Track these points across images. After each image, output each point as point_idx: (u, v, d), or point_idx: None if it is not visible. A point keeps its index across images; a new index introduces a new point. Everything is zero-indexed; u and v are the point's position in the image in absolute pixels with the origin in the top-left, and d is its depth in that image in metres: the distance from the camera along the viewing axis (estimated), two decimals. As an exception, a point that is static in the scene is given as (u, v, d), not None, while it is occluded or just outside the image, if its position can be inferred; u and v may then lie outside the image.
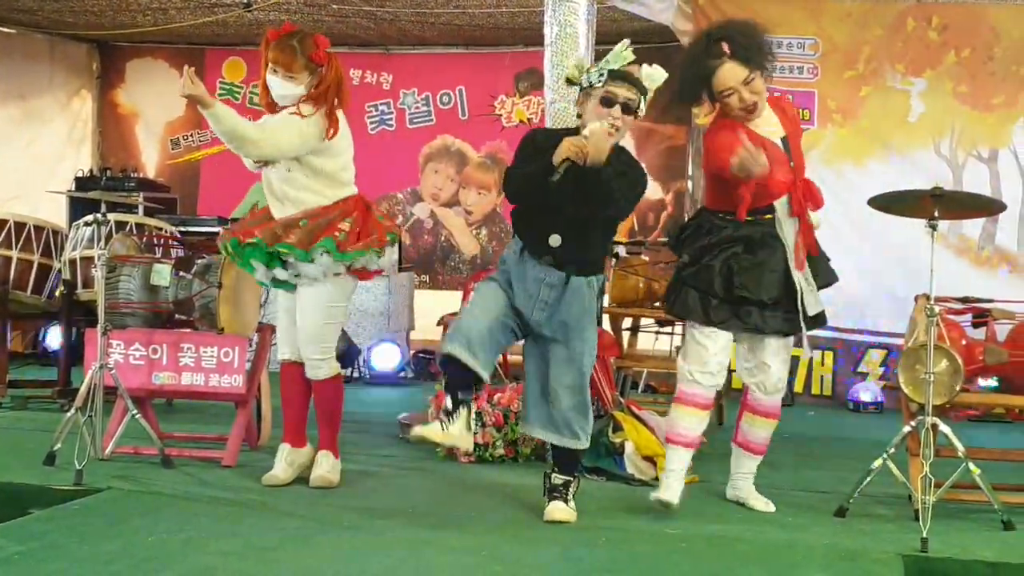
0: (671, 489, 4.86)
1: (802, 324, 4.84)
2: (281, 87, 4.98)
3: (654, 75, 4.46)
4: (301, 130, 4.93)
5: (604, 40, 7.13)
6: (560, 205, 4.39)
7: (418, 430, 4.47)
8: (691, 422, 4.93)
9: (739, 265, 4.80)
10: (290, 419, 5.30)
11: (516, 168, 4.51)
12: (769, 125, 4.85)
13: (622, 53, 4.48)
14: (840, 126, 8.67)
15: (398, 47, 10.72)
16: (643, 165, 4.68)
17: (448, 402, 4.45)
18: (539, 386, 4.62)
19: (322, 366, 5.13)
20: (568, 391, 4.57)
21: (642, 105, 4.46)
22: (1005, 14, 8.31)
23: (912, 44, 8.49)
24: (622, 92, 4.42)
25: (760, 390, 4.98)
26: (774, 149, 4.75)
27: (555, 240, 4.47)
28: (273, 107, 5.08)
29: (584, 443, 4.64)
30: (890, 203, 4.98)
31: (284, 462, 5.23)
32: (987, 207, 5.89)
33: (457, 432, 4.41)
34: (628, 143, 10.33)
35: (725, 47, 4.71)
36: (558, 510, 4.61)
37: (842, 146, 8.67)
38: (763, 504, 5.01)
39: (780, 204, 4.82)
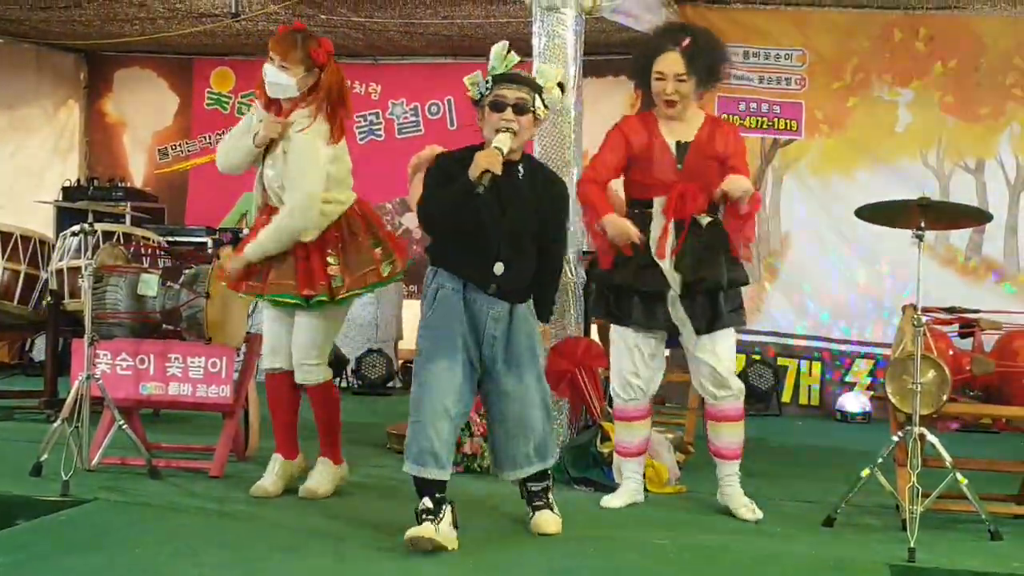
0: (621, 496, 5.21)
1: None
2: (274, 75, 4.95)
3: (545, 70, 4.42)
4: (312, 149, 4.91)
5: (592, 51, 7.16)
6: (498, 228, 4.28)
7: (410, 533, 4.13)
8: (630, 433, 5.22)
9: (623, 258, 5.02)
10: (281, 430, 5.28)
11: (433, 193, 4.33)
12: (681, 130, 5.04)
13: (503, 55, 4.35)
14: (827, 136, 8.70)
15: (386, 57, 10.72)
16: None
17: (427, 502, 4.23)
18: (508, 426, 4.48)
19: (315, 371, 5.11)
20: (542, 413, 4.50)
21: (537, 103, 4.34)
22: (991, 25, 8.35)
23: (899, 55, 8.52)
24: (511, 93, 4.30)
25: (706, 395, 5.06)
26: (661, 149, 5.01)
27: (500, 268, 4.31)
28: (268, 106, 5.06)
29: (545, 462, 4.60)
30: (877, 213, 5.01)
31: (274, 474, 5.21)
32: (974, 217, 5.92)
33: (446, 530, 4.19)
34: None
35: (683, 40, 4.97)
36: (548, 522, 4.56)
37: (829, 156, 8.70)
38: (748, 512, 5.00)
39: (658, 202, 4.98)
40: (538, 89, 4.35)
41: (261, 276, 5.03)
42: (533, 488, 4.64)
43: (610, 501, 5.18)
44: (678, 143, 5.01)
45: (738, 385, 5.06)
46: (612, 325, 5.21)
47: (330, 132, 4.97)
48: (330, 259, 4.98)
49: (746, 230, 5.03)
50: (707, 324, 4.97)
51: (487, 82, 4.32)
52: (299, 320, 5.06)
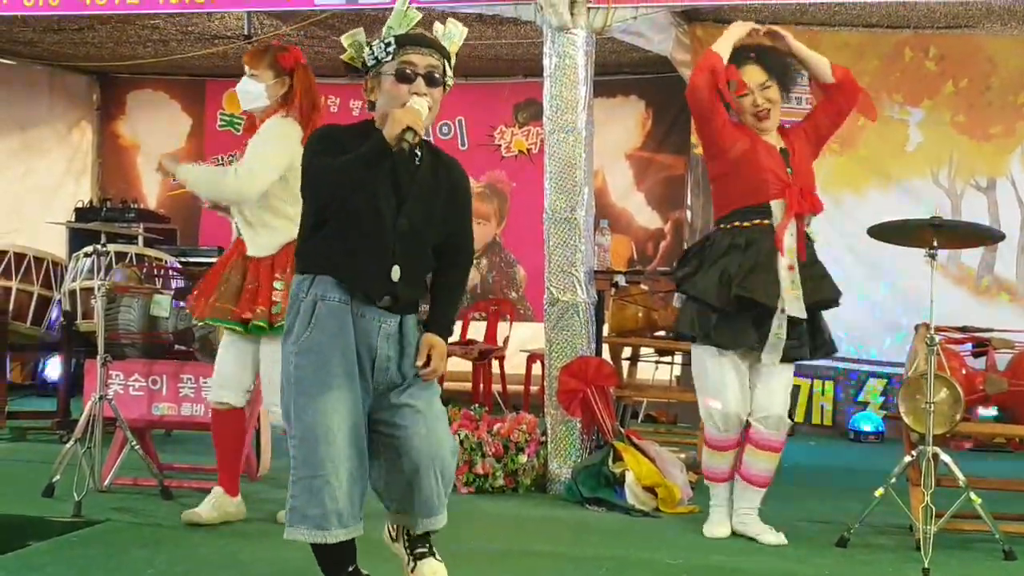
0: (715, 523, 5.08)
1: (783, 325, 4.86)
2: (243, 84, 4.91)
3: (452, 32, 3.55)
4: (281, 133, 4.79)
5: (602, 71, 7.17)
6: (394, 224, 3.44)
7: None
8: (719, 462, 5.05)
9: (735, 269, 4.87)
10: (229, 466, 5.06)
11: (320, 162, 3.41)
12: (771, 140, 4.99)
13: (404, 12, 3.48)
14: (838, 155, 8.68)
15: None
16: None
17: None
18: (418, 462, 3.47)
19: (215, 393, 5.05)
20: (452, 456, 3.58)
21: (448, 72, 3.51)
22: (1002, 44, 8.34)
23: (909, 74, 8.51)
24: (420, 60, 3.43)
25: (761, 423, 4.96)
26: (769, 150, 4.92)
27: (396, 273, 3.45)
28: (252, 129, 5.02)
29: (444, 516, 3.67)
30: (889, 232, 5.00)
31: (210, 504, 4.98)
32: (986, 236, 5.90)
33: None
34: (625, 172, 10.48)
35: (752, 54, 4.95)
36: (434, 571, 3.66)
37: (841, 175, 8.68)
38: (774, 537, 4.94)
39: (776, 205, 4.89)
40: (447, 55, 3.51)
41: (207, 297, 4.92)
42: (416, 532, 3.68)
43: (712, 530, 5.04)
44: (781, 150, 4.96)
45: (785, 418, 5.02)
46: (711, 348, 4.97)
47: (303, 135, 4.84)
48: (276, 284, 4.76)
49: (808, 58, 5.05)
50: (811, 350, 4.96)
51: (386, 44, 3.44)
52: (265, 351, 4.84)
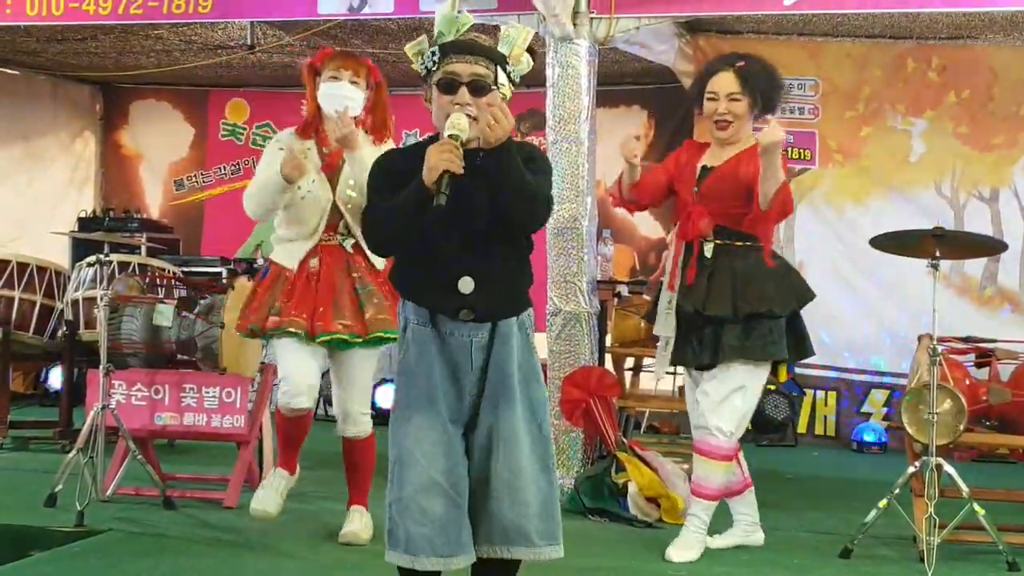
0: (726, 536, 5.11)
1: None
2: (350, 89, 4.74)
3: (511, 34, 3.31)
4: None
5: (605, 81, 7.17)
6: (455, 234, 3.22)
7: None
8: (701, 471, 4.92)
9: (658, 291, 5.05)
10: (290, 452, 4.97)
11: (375, 206, 3.29)
12: (717, 155, 4.93)
13: (451, 17, 3.27)
14: (841, 166, 8.69)
15: (400, 88, 10.73)
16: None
17: None
18: (491, 483, 3.21)
19: (368, 421, 4.91)
20: (529, 484, 3.21)
21: (500, 77, 3.25)
22: (1004, 55, 8.34)
23: (912, 85, 8.52)
24: (464, 68, 3.21)
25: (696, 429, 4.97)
26: (687, 173, 4.94)
27: (466, 284, 3.22)
28: (308, 129, 4.83)
29: (559, 546, 3.30)
30: (892, 243, 5.00)
31: (278, 492, 4.87)
32: (989, 247, 5.91)
33: None
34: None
35: (740, 62, 4.89)
36: None
37: (843, 186, 8.68)
38: (674, 551, 4.82)
39: (677, 228, 4.98)
40: (500, 60, 3.27)
41: (349, 315, 4.68)
42: None
43: (714, 542, 5.02)
44: (703, 167, 4.91)
45: (716, 424, 4.81)
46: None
47: None
48: (380, 300, 4.79)
49: (768, 172, 4.62)
50: (710, 356, 4.82)
51: (432, 52, 3.26)
52: (354, 362, 4.81)
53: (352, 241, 4.78)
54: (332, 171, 4.79)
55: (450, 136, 3.09)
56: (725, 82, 4.85)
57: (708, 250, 4.82)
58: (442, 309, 3.24)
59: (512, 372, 3.24)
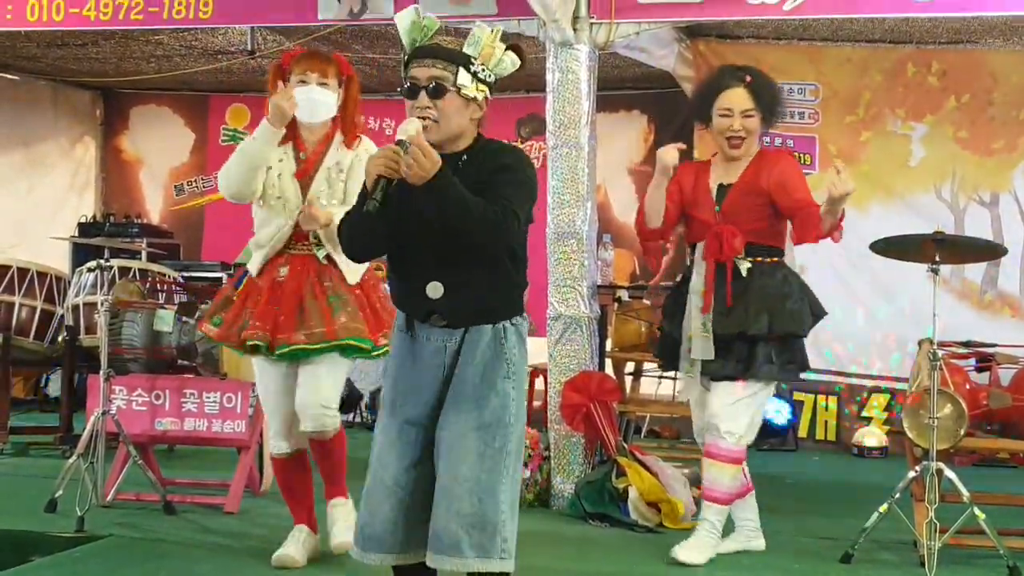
0: (731, 540, 5.11)
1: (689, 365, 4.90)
2: (320, 93, 4.53)
3: (477, 34, 3.27)
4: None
5: (605, 86, 7.18)
6: (425, 240, 3.20)
7: None
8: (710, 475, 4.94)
9: (668, 305, 5.05)
10: (303, 506, 4.79)
11: (347, 213, 3.36)
12: (729, 171, 4.93)
13: (415, 23, 3.29)
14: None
15: (400, 93, 10.79)
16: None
17: None
18: (439, 487, 3.19)
19: (329, 416, 4.60)
20: (467, 493, 3.14)
21: (461, 78, 3.22)
22: (1004, 60, 8.34)
23: (912, 89, 8.52)
24: (423, 73, 3.22)
25: (708, 431, 4.92)
26: (703, 193, 4.92)
27: (435, 290, 3.22)
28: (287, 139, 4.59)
29: (494, 561, 3.17)
30: (892, 247, 5.01)
31: (301, 544, 4.70)
32: (989, 251, 5.91)
33: None
34: (628, 187, 10.47)
35: (748, 78, 4.88)
36: None
37: (843, 191, 8.67)
38: (683, 551, 4.81)
39: (699, 246, 4.92)
40: (463, 61, 3.23)
41: (315, 323, 4.47)
42: None
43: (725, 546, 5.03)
44: (720, 186, 4.90)
45: (726, 427, 4.83)
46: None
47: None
48: (380, 307, 4.64)
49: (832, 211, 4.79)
50: (742, 370, 4.82)
51: (403, 59, 3.33)
52: (320, 366, 4.53)
53: (325, 252, 4.56)
54: (305, 178, 4.57)
55: (397, 142, 3.07)
56: (738, 98, 4.84)
57: (743, 268, 4.81)
58: (415, 314, 3.28)
59: (468, 380, 3.21)
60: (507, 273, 3.27)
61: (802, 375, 5.14)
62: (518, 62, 3.32)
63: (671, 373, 7.49)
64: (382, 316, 4.57)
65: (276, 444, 4.69)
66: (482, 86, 3.26)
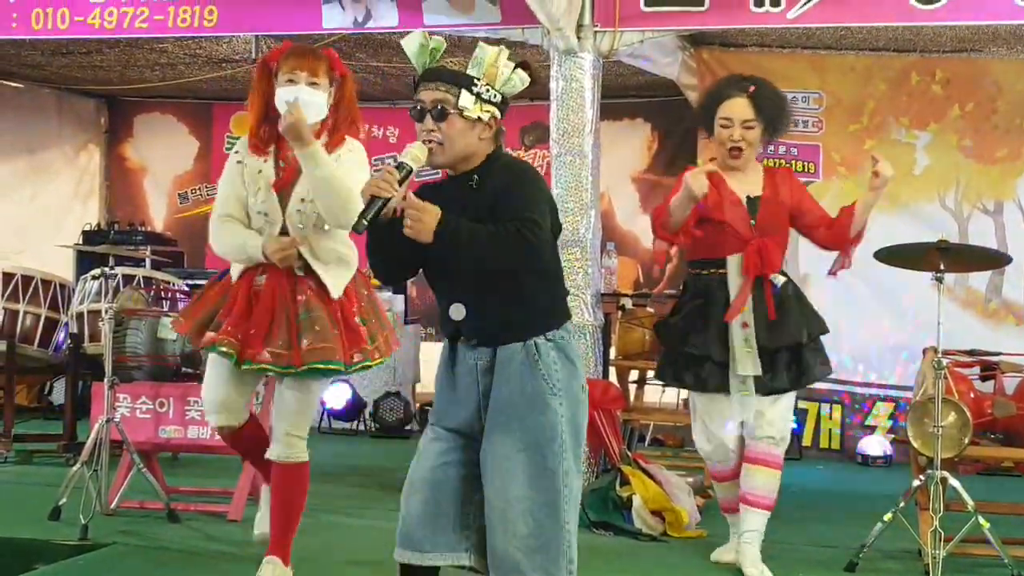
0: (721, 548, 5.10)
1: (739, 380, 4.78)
2: (308, 93, 4.22)
3: (480, 55, 3.25)
4: (363, 161, 4.30)
5: (609, 95, 7.18)
6: (447, 262, 3.19)
7: None
8: (720, 492, 5.06)
9: (690, 323, 4.87)
10: (258, 466, 4.65)
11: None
12: (747, 182, 4.88)
13: (423, 46, 3.29)
14: (845, 179, 8.68)
15: (404, 102, 10.78)
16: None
17: None
18: (489, 510, 3.18)
19: (301, 445, 4.38)
20: (523, 514, 3.12)
21: (464, 99, 3.20)
22: (1008, 68, 8.35)
23: (916, 98, 8.52)
24: (427, 96, 3.22)
25: (749, 435, 4.85)
26: (734, 204, 4.82)
27: (457, 312, 3.24)
28: (259, 147, 4.34)
29: None
30: (896, 256, 5.01)
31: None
32: (993, 260, 5.91)
33: None
34: (631, 195, 10.48)
35: (751, 88, 4.84)
36: None
37: (847, 199, 8.55)
38: (757, 572, 4.77)
39: (733, 260, 4.81)
40: (465, 82, 3.22)
41: (282, 343, 4.24)
42: None
43: (719, 555, 5.04)
44: (748, 197, 4.85)
45: (778, 432, 4.86)
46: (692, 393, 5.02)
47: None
48: (358, 320, 4.37)
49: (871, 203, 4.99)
50: (792, 380, 4.83)
51: (415, 82, 3.32)
52: (286, 389, 4.35)
53: (302, 263, 4.31)
54: (284, 188, 4.31)
55: (398, 165, 3.10)
56: (739, 108, 4.80)
57: (779, 281, 4.80)
58: (446, 333, 3.30)
59: (507, 399, 3.18)
60: (532, 286, 3.23)
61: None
62: (527, 80, 3.30)
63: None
64: (360, 331, 4.34)
65: (211, 418, 4.50)
66: (487, 106, 3.24)
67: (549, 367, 3.20)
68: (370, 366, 4.38)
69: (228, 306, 4.35)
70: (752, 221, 4.80)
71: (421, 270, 3.34)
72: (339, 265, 4.36)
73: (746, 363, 4.75)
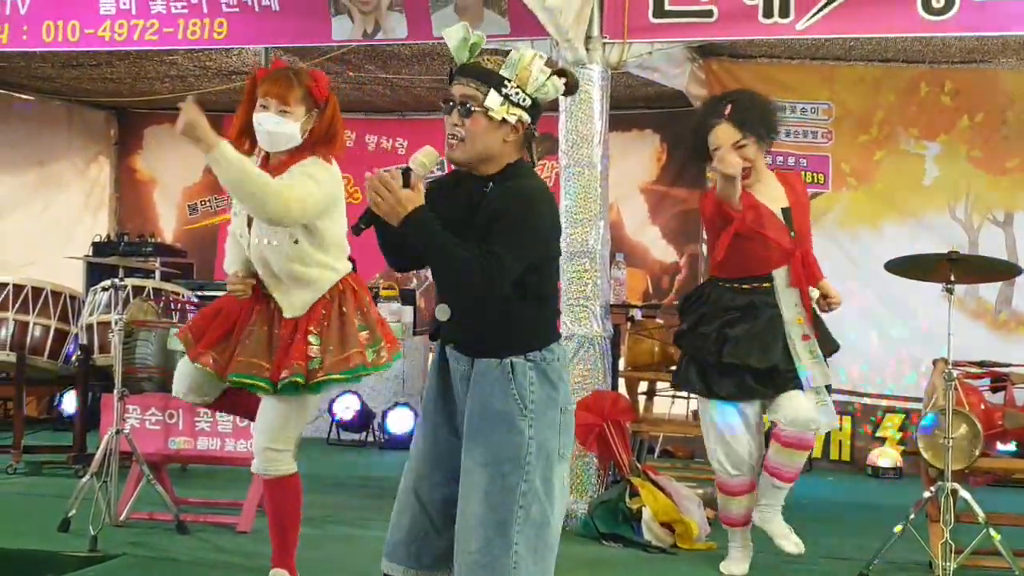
0: (733, 561, 5.06)
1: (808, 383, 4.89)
2: (274, 124, 4.18)
3: (514, 57, 3.18)
4: (319, 183, 4.12)
5: (617, 105, 7.19)
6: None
7: None
8: (734, 506, 5.04)
9: (732, 332, 4.87)
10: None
11: None
12: (771, 194, 4.92)
13: (466, 39, 3.21)
14: (855, 190, 8.68)
15: (413, 113, 10.79)
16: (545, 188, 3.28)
17: None
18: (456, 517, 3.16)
19: (280, 459, 4.31)
20: (471, 531, 3.07)
21: (491, 99, 3.13)
22: (1017, 79, 8.34)
23: (925, 109, 8.52)
24: (458, 91, 3.16)
25: (784, 421, 4.86)
26: (772, 218, 4.86)
27: (443, 312, 3.18)
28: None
29: None
30: (906, 267, 5.00)
31: None
32: (1003, 271, 5.90)
33: None
34: (640, 205, 10.48)
35: (727, 109, 4.87)
36: None
37: (857, 210, 8.67)
38: (793, 545, 4.91)
39: (779, 274, 4.88)
40: (496, 81, 3.15)
41: (225, 351, 4.28)
42: None
43: (729, 568, 5.05)
44: (783, 209, 4.94)
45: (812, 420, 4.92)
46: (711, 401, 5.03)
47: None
48: (311, 338, 4.21)
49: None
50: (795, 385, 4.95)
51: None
52: (265, 401, 4.30)
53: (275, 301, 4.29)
54: None
55: (405, 171, 3.06)
56: (724, 134, 4.85)
57: (816, 293, 4.98)
58: (433, 330, 3.27)
59: (478, 412, 3.11)
60: (513, 306, 3.11)
61: None
62: (562, 88, 3.22)
63: (682, 392, 7.51)
64: (302, 349, 4.19)
65: (183, 398, 4.53)
66: (515, 109, 3.15)
67: (523, 387, 3.10)
68: (336, 379, 4.24)
69: (220, 321, 4.40)
70: (791, 233, 4.90)
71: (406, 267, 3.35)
72: (296, 285, 4.25)
73: (818, 375, 4.90)
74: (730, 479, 4.98)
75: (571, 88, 3.26)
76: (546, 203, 3.21)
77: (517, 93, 3.16)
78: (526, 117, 3.18)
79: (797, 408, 4.85)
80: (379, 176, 3.02)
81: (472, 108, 3.13)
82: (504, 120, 3.14)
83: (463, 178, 3.24)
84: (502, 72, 3.16)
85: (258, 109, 4.21)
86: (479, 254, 3.01)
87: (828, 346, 5.00)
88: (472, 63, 3.20)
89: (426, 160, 3.09)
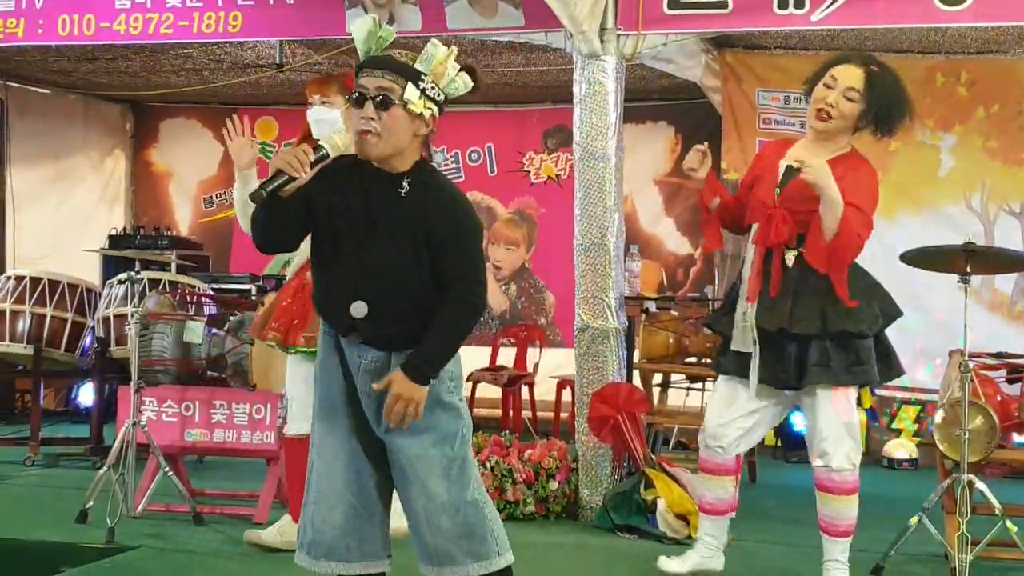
0: (684, 559, 4.65)
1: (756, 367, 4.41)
2: (318, 112, 4.83)
3: (431, 51, 3.24)
4: None
5: (632, 97, 7.18)
6: (358, 256, 3.22)
7: None
8: (707, 488, 4.66)
9: (727, 297, 4.70)
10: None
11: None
12: (805, 155, 4.41)
13: (371, 32, 3.30)
14: (870, 181, 8.64)
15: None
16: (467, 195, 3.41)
17: None
18: (416, 509, 3.29)
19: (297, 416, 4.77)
20: (443, 508, 3.24)
21: (409, 93, 3.17)
22: (1034, 69, 8.30)
23: (941, 99, 8.48)
24: (371, 83, 3.18)
25: (816, 461, 4.45)
26: (771, 174, 4.49)
27: (359, 309, 3.21)
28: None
29: (491, 561, 3.32)
30: (922, 258, 4.99)
31: (277, 531, 4.96)
32: (1020, 262, 5.87)
33: None
34: (655, 198, 10.46)
35: (874, 66, 4.48)
36: None
37: (872, 201, 8.63)
38: None
39: (754, 228, 4.50)
40: (413, 76, 3.20)
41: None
42: None
43: (667, 564, 4.63)
44: (788, 167, 4.41)
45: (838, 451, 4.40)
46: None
47: None
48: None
49: (833, 265, 4.38)
50: (795, 377, 4.39)
51: (357, 71, 3.30)
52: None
53: None
54: None
55: (316, 148, 3.16)
56: (849, 76, 4.42)
57: (790, 259, 4.39)
58: (336, 326, 3.29)
59: None
60: (431, 296, 3.23)
61: (876, 381, 4.62)
62: (470, 84, 3.29)
63: (697, 384, 7.51)
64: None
65: (298, 426, 4.68)
66: (430, 104, 3.22)
67: (447, 368, 3.28)
68: None
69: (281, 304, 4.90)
70: (778, 190, 4.42)
71: (311, 248, 3.32)
72: None
73: (736, 337, 4.50)
74: (703, 452, 4.63)
75: (476, 87, 3.32)
76: (468, 202, 3.34)
77: (432, 88, 3.22)
78: (437, 112, 3.24)
79: (816, 440, 4.42)
80: (294, 152, 3.12)
81: (391, 100, 3.16)
82: (420, 114, 3.20)
83: (361, 165, 3.25)
84: (417, 66, 3.22)
85: (308, 108, 4.88)
86: (454, 297, 3.20)
87: (847, 324, 4.39)
88: (385, 55, 3.25)
89: (340, 142, 3.17)
